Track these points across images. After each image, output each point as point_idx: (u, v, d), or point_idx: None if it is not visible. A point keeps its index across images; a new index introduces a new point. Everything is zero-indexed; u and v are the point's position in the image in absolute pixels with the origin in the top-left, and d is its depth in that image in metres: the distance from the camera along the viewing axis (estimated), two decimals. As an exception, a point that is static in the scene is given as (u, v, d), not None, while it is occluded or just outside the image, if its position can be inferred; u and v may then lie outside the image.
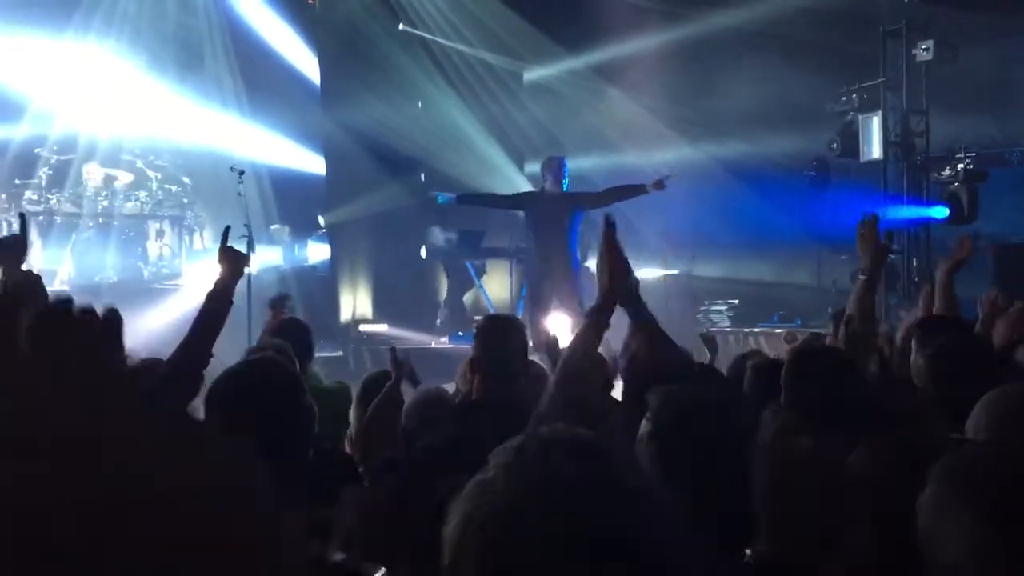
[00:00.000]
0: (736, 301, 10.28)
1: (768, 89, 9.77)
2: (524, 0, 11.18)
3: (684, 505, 1.57)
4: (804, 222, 9.72)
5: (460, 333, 9.44)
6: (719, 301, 10.32)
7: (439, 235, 10.23)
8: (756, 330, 9.42)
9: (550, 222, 7.60)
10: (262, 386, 2.17)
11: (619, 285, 2.34)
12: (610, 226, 2.39)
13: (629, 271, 2.38)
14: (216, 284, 2.72)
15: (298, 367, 3.35)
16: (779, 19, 9.75)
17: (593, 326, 2.33)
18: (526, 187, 11.40)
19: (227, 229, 2.92)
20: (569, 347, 2.38)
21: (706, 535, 1.59)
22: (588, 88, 11.43)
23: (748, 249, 10.34)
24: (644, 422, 1.73)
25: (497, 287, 10.84)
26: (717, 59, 10.40)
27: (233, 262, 2.76)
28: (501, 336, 2.91)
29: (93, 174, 10.03)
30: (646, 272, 10.04)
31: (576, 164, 11.32)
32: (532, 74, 12.09)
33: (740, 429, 1.72)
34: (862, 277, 2.98)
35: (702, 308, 10.31)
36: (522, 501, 0.92)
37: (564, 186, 7.75)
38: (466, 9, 11.34)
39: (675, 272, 10.65)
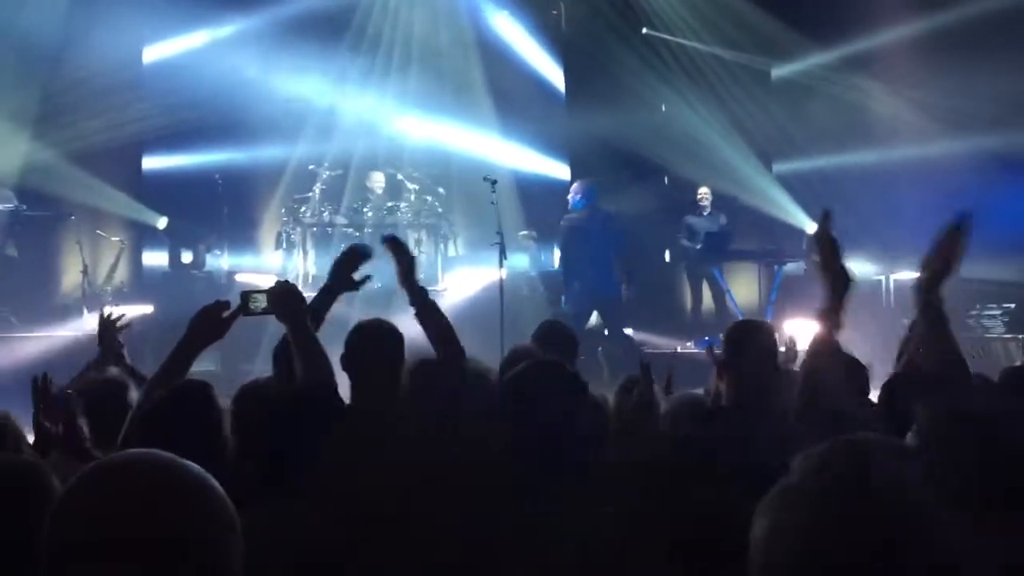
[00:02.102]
0: (1012, 305, 9.44)
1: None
2: (770, -5, 10.87)
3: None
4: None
5: (707, 338, 9.33)
6: (992, 305, 9.51)
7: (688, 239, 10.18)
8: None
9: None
10: (549, 385, 2.31)
11: (840, 282, 2.19)
12: (827, 219, 2.23)
13: (844, 270, 2.21)
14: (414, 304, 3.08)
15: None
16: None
17: (825, 328, 2.22)
18: (773, 189, 11.10)
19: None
20: (807, 353, 2.29)
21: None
22: (841, 82, 10.91)
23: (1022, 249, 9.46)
24: (910, 435, 1.64)
25: (745, 291, 10.60)
26: (992, 42, 9.56)
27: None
28: (750, 341, 2.87)
29: (376, 183, 10.86)
30: (904, 275, 9.46)
31: (829, 162, 10.88)
32: (780, 71, 11.71)
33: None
34: None
35: (972, 313, 9.55)
36: (833, 507, 0.93)
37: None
38: (710, 9, 11.19)
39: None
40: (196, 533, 1.11)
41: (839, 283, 2.16)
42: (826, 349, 2.21)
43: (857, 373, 3.29)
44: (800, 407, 2.14)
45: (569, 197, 9.17)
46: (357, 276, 3.23)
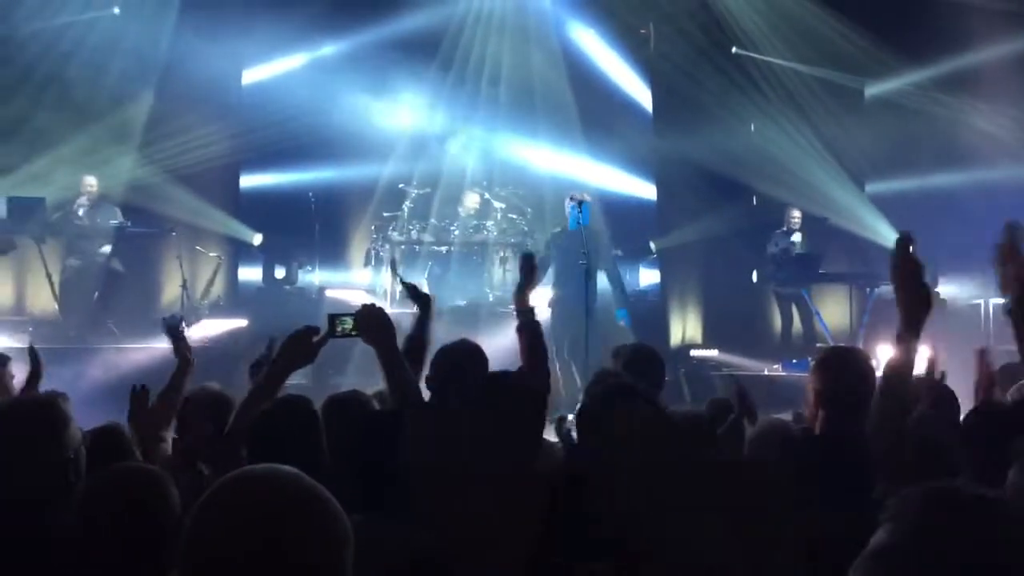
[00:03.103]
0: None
1: None
2: (865, 13, 10.66)
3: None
4: None
5: (794, 361, 9.17)
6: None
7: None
8: None
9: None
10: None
11: (917, 306, 2.13)
12: (907, 242, 2.18)
13: (926, 290, 2.15)
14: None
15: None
16: None
17: (901, 352, 2.16)
18: (866, 210, 10.88)
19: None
20: (882, 376, 2.23)
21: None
22: (938, 101, 10.62)
23: None
24: (1010, 481, 1.56)
25: (835, 313, 10.38)
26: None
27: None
28: (845, 369, 2.79)
29: (471, 203, 10.97)
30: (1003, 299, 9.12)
31: (924, 182, 10.58)
32: (874, 89, 11.47)
33: None
34: None
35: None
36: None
37: (571, 224, 7.99)
38: (802, 28, 11.03)
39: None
40: (321, 547, 1.18)
41: (916, 307, 2.11)
42: (901, 373, 2.15)
43: (946, 400, 3.21)
44: (876, 431, 2.09)
45: (573, 209, 8.89)
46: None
